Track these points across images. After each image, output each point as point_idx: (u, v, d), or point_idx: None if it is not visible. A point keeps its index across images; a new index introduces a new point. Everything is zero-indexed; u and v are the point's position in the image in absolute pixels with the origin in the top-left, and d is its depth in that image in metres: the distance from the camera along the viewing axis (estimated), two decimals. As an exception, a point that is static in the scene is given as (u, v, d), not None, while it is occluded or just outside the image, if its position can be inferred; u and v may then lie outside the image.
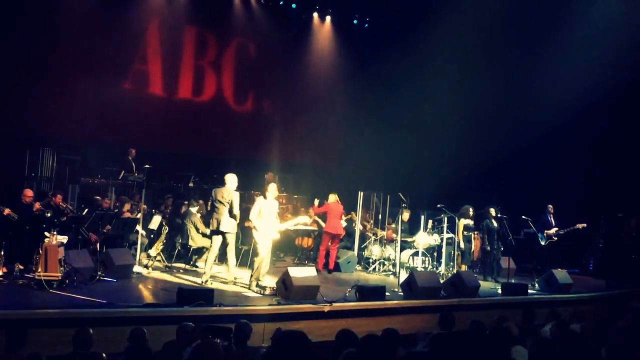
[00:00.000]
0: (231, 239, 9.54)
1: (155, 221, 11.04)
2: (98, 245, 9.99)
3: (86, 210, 10.74)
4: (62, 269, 8.05)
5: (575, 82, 14.36)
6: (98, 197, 11.52)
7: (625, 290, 12.25)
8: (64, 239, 8.67)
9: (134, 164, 13.79)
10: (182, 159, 15.53)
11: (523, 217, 12.69)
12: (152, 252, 10.76)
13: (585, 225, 12.93)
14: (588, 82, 14.15)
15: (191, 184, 14.87)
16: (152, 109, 15.37)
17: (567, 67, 14.69)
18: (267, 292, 8.87)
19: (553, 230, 12.87)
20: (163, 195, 13.36)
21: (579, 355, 4.93)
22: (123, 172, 13.58)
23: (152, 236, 11.26)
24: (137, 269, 9.94)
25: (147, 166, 13.11)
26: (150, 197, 13.24)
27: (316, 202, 12.68)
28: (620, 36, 13.91)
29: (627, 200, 14.60)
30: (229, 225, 9.47)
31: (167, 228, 11.15)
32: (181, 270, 10.73)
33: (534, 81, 15.21)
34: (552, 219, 13.06)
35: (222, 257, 10.42)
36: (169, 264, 10.99)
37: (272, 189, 9.82)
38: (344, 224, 13.03)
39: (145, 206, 11.31)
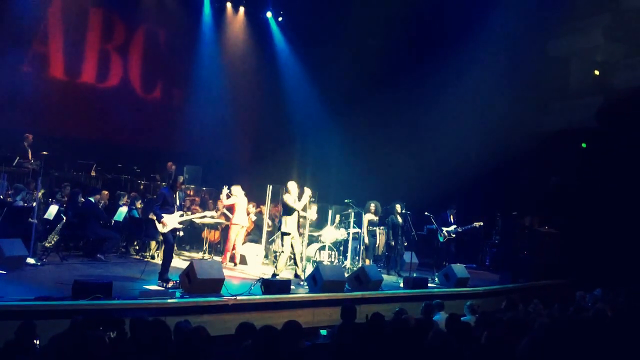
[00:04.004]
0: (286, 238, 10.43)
1: (52, 211, 10.48)
2: (-13, 235, 9.33)
3: (-26, 197, 10.03)
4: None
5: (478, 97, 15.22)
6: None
7: (517, 284, 12.99)
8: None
9: (30, 150, 13.02)
10: (83, 147, 14.80)
11: (426, 213, 13.13)
12: (48, 243, 10.22)
13: (482, 223, 13.60)
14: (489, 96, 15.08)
15: (93, 173, 14.25)
16: (52, 92, 14.61)
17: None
18: (170, 285, 8.66)
19: (451, 228, 13.42)
20: (61, 184, 12.71)
21: (469, 345, 5.17)
22: (18, 158, 12.79)
23: (48, 227, 10.68)
24: (30, 260, 9.39)
25: (44, 153, 12.39)
26: (47, 186, 12.58)
27: (224, 191, 12.28)
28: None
29: (521, 200, 15.50)
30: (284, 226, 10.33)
31: (65, 218, 10.61)
32: (78, 263, 10.26)
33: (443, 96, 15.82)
34: (452, 218, 13.63)
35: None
36: (66, 256, 10.48)
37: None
38: (253, 217, 12.96)
39: (40, 194, 10.70)
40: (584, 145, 16.22)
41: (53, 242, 10.39)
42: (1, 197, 10.51)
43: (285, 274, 10.65)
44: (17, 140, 13.14)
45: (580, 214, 14.81)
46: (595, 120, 15.58)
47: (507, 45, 15.13)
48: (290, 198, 10.40)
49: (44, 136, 13.55)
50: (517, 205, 15.39)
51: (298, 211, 10.44)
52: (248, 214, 12.54)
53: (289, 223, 10.32)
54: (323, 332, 6.82)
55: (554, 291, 12.52)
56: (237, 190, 11.86)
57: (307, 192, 10.60)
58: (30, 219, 10.01)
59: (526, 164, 15.76)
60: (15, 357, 4.10)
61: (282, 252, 10.56)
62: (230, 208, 12.14)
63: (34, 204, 10.20)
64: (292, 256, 11.09)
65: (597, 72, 15.83)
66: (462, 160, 15.38)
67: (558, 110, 16.49)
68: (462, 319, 6.48)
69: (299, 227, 10.74)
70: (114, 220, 11.60)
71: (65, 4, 14.94)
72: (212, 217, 12.07)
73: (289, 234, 10.33)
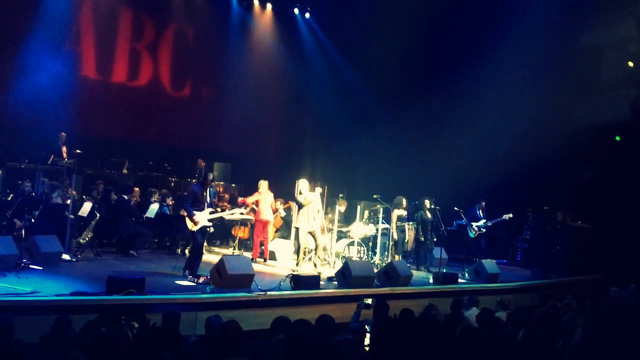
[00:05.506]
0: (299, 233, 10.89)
1: (86, 208, 10.68)
2: (23, 231, 9.58)
3: (11, 195, 10.28)
4: (-17, 256, 7.69)
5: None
6: (20, 182, 11.01)
7: (549, 280, 12.81)
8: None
9: (64, 149, 13.29)
10: (115, 145, 15.07)
11: (455, 208, 13.01)
12: (82, 239, 10.42)
13: (511, 215, 13.41)
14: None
15: (125, 171, 14.49)
16: (85, 92, 14.85)
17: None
18: (201, 280, 8.76)
19: (481, 222, 13.30)
20: (95, 182, 12.95)
21: (501, 341, 5.13)
22: (52, 156, 13.07)
23: (82, 223, 10.89)
24: (65, 256, 9.60)
25: (78, 151, 12.64)
26: (81, 183, 12.83)
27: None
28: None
29: (554, 194, 15.27)
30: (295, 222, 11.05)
31: (98, 215, 10.81)
32: (112, 259, 10.45)
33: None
34: (481, 213, 13.49)
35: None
36: (100, 252, 10.68)
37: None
38: (282, 213, 13.01)
39: (75, 192, 10.92)
40: (617, 138, 15.91)
41: (87, 239, 10.59)
42: (34, 194, 10.73)
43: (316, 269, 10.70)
44: (51, 139, 13.42)
45: (614, 208, 14.51)
46: (629, 113, 15.27)
47: (538, 39, 14.89)
48: (299, 195, 10.87)
49: (77, 135, 13.82)
50: (549, 200, 15.16)
51: (307, 206, 10.75)
52: (276, 210, 12.61)
53: (299, 218, 10.77)
54: (368, 300, 6.86)
55: (587, 287, 12.32)
56: (262, 185, 11.95)
57: (317, 190, 11.04)
58: (65, 216, 10.23)
59: (559, 158, 15.48)
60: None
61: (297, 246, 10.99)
62: (256, 204, 12.22)
63: (69, 201, 10.42)
64: (309, 249, 11.32)
65: (630, 64, 15.49)
66: (492, 154, 15.20)
67: (591, 103, 16.19)
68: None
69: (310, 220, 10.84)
70: (146, 217, 11.78)
71: (95, 4, 15.19)
72: (242, 213, 12.16)
73: (298, 228, 10.83)
